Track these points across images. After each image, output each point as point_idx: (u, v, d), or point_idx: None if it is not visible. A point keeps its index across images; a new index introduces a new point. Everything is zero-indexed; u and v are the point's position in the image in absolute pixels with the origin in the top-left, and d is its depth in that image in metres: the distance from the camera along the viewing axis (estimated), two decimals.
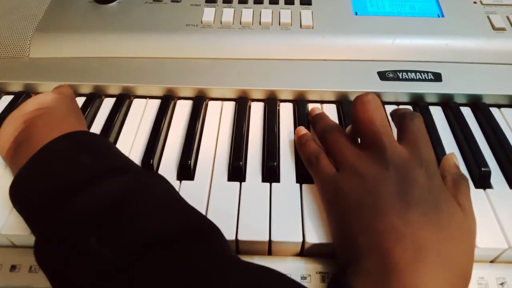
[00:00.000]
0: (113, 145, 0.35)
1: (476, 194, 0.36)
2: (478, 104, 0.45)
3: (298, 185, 0.37)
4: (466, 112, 0.44)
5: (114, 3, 0.52)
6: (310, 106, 0.45)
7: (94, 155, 0.31)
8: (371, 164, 0.31)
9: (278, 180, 0.37)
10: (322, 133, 0.37)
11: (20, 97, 0.46)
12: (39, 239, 0.27)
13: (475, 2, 0.52)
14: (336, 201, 0.32)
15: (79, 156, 0.31)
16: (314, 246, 0.33)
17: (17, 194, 0.31)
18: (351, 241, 0.29)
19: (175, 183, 0.37)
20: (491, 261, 0.34)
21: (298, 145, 0.39)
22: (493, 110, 0.44)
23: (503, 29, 0.49)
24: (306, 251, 0.34)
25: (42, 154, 0.31)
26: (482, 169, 0.37)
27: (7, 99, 0.46)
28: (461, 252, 0.28)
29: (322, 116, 0.41)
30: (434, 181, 0.30)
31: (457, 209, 0.29)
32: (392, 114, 0.38)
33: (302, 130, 0.40)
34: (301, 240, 0.33)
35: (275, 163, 0.38)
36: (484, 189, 0.37)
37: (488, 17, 0.50)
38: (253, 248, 0.34)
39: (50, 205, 0.28)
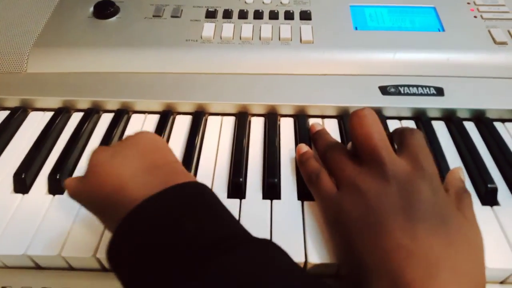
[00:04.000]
0: (215, 196, 0.29)
1: (483, 212, 0.35)
2: (481, 119, 0.44)
3: (299, 202, 0.36)
4: (470, 127, 0.44)
5: (113, 18, 0.52)
6: (311, 121, 0.44)
7: (198, 221, 0.26)
8: (371, 180, 0.30)
9: (279, 197, 0.36)
10: (323, 152, 0.37)
11: (16, 112, 0.45)
12: None
13: (475, 17, 0.52)
14: (339, 220, 0.31)
15: (181, 222, 0.25)
16: (316, 266, 0.32)
17: (114, 259, 0.26)
18: (359, 261, 0.28)
19: None
20: (501, 282, 0.33)
21: (299, 164, 0.38)
22: (497, 125, 0.44)
23: (504, 43, 0.48)
24: (307, 272, 0.33)
25: (139, 215, 0.25)
26: (489, 185, 0.37)
27: (3, 114, 0.45)
28: (473, 264, 0.27)
29: (322, 133, 0.40)
30: (438, 194, 0.29)
31: (463, 221, 0.28)
32: (393, 133, 0.37)
33: (303, 148, 0.39)
34: (303, 260, 0.31)
35: (276, 180, 0.37)
36: (491, 206, 0.36)
37: (489, 31, 0.50)
38: None
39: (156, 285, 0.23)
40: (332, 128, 0.43)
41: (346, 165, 0.33)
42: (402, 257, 0.26)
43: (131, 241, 0.25)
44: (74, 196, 0.30)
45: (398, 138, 0.35)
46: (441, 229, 0.27)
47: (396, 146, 0.35)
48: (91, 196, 0.28)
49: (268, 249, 0.25)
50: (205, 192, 0.28)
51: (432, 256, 0.26)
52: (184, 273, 0.22)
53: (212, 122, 0.44)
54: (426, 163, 0.31)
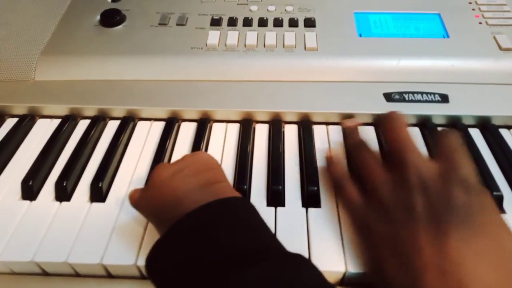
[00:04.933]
0: (254, 210, 0.30)
1: None
2: (487, 126, 0.44)
3: (304, 209, 0.36)
4: (475, 133, 0.43)
5: (120, 26, 0.53)
6: (315, 128, 0.44)
7: (233, 233, 0.27)
8: (397, 190, 0.29)
9: (283, 204, 0.36)
10: (352, 150, 0.36)
11: (24, 120, 0.46)
12: None
13: (480, 23, 0.52)
14: (365, 233, 0.30)
15: (216, 233, 0.27)
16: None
17: (152, 269, 0.28)
18: (387, 279, 0.27)
19: None
20: None
21: (327, 170, 0.38)
22: (503, 132, 0.43)
23: (510, 49, 0.48)
24: None
25: (179, 228, 0.28)
26: (494, 193, 0.36)
27: (11, 122, 0.46)
28: (506, 277, 0.25)
29: (351, 131, 0.39)
30: (473, 197, 0.27)
31: (503, 227, 0.26)
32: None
33: (328, 153, 0.39)
34: None
35: (280, 187, 0.37)
36: None
37: (495, 37, 0.50)
38: None
39: None
40: (336, 135, 0.44)
41: (373, 169, 0.32)
42: (433, 276, 0.24)
43: (170, 249, 0.27)
44: (137, 206, 0.33)
45: (435, 142, 0.34)
46: (474, 239, 0.25)
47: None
48: (152, 208, 0.31)
49: (299, 264, 0.26)
50: (244, 206, 0.30)
51: (463, 273, 0.24)
52: (213, 280, 0.24)
53: (217, 129, 0.45)
54: (460, 163, 0.29)
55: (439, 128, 0.44)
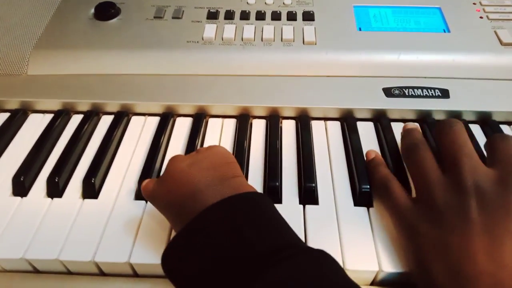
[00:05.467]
0: (273, 206, 0.30)
1: None
2: (487, 121, 0.43)
3: (301, 206, 0.35)
4: (475, 129, 0.43)
5: (114, 19, 0.52)
6: (313, 123, 0.43)
7: (257, 229, 0.26)
8: (451, 194, 0.28)
9: (280, 201, 0.36)
10: (407, 150, 0.35)
11: (16, 115, 0.45)
12: None
13: (481, 17, 0.51)
14: (413, 237, 0.29)
15: (241, 229, 0.26)
16: None
17: (170, 265, 0.27)
18: (435, 282, 0.26)
19: None
20: None
21: (368, 170, 0.37)
22: (503, 127, 0.43)
23: (511, 44, 0.47)
24: None
25: (200, 222, 0.27)
26: None
27: (3, 116, 0.45)
28: None
29: (410, 131, 0.37)
30: None
31: None
32: (485, 143, 0.34)
33: (372, 153, 0.38)
34: None
35: (277, 183, 0.36)
36: None
37: (496, 32, 0.49)
38: None
39: None
40: (335, 131, 0.43)
41: (429, 171, 0.31)
42: (487, 285, 0.24)
43: (194, 240, 0.26)
44: (150, 197, 0.32)
45: (488, 147, 0.32)
46: None
47: (487, 154, 0.32)
48: (168, 199, 0.30)
49: (324, 259, 0.25)
50: (265, 202, 0.29)
51: None
52: (239, 277, 0.23)
53: (213, 125, 0.44)
54: None
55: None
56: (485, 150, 0.33)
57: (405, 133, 0.38)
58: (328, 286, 0.23)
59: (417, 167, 0.32)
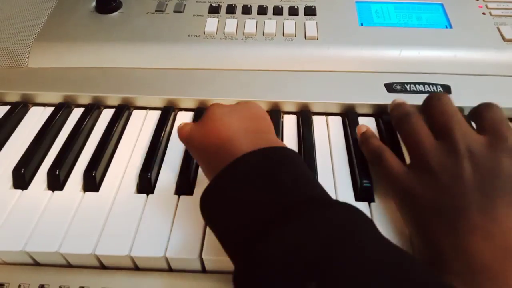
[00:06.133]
0: (305, 164, 0.30)
1: None
2: None
3: None
4: None
5: (116, 13, 0.52)
6: (315, 118, 0.43)
7: (295, 178, 0.27)
8: (445, 157, 0.29)
9: None
10: (399, 120, 0.35)
11: (17, 107, 0.45)
12: (240, 270, 0.23)
13: (484, 13, 0.51)
14: (409, 201, 0.30)
15: (279, 175, 0.26)
16: None
17: (209, 207, 0.27)
18: (433, 242, 0.27)
19: (173, 199, 0.35)
20: None
21: (360, 144, 0.37)
22: None
23: None
24: None
25: (240, 164, 0.27)
26: None
27: (4, 109, 0.45)
28: None
29: (399, 104, 0.38)
30: None
31: None
32: (469, 113, 0.35)
33: (363, 127, 0.38)
34: None
35: None
36: None
37: (498, 28, 0.49)
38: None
39: (250, 230, 0.24)
40: (336, 126, 0.43)
41: (423, 137, 0.32)
42: (480, 239, 0.25)
43: (232, 183, 0.26)
44: (186, 139, 0.32)
45: (474, 115, 0.34)
46: None
47: (474, 124, 0.34)
48: (204, 142, 0.30)
49: (357, 212, 0.24)
50: (300, 159, 0.29)
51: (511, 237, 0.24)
52: (278, 219, 0.23)
53: None
54: (507, 133, 0.30)
55: None
56: (471, 119, 0.35)
57: (395, 106, 0.38)
58: (363, 237, 0.23)
59: (410, 135, 0.33)
